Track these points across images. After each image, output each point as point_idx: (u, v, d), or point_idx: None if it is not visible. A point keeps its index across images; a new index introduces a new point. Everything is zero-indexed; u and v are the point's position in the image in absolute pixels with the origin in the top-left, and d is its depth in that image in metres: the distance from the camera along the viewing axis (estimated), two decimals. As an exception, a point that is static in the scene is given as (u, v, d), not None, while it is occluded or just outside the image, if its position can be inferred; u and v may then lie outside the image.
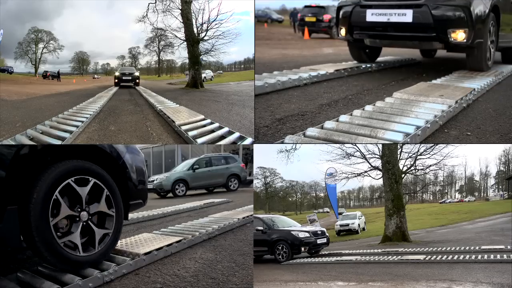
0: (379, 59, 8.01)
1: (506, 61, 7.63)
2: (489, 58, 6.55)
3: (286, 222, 7.59)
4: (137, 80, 13.53)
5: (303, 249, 6.75)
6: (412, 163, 8.85)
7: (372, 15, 6.13)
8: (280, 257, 6.63)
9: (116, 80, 13.46)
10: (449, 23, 5.65)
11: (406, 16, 5.79)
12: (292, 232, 6.88)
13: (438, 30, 5.75)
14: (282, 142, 3.91)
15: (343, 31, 6.81)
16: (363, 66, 7.22)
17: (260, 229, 6.82)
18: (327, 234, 7.39)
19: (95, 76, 15.47)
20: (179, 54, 13.89)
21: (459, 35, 5.68)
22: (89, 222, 2.95)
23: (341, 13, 6.73)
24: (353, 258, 6.08)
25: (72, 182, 2.85)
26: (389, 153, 8.26)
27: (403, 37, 6.19)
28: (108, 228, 3.11)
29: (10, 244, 2.64)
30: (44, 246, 2.67)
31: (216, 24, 11.69)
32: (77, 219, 2.88)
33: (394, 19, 5.90)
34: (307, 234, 6.88)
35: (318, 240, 6.99)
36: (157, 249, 3.52)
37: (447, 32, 5.70)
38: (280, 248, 6.66)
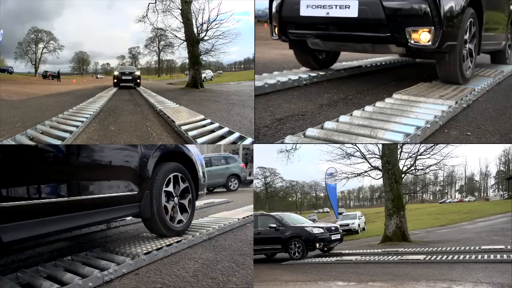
0: (379, 59, 7.98)
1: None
2: (467, 66, 5.18)
3: (296, 219, 7.53)
4: (138, 80, 13.19)
5: (317, 245, 6.64)
6: (412, 163, 8.88)
7: (308, 8, 4.74)
8: (294, 254, 6.55)
9: (115, 80, 13.06)
10: (408, 19, 4.31)
11: (350, 9, 4.43)
12: (306, 228, 6.76)
13: (393, 29, 4.40)
14: (282, 142, 3.91)
15: (277, 29, 5.40)
16: (363, 66, 7.21)
17: (273, 227, 6.74)
18: (340, 230, 7.33)
19: (98, 76, 15.41)
20: (179, 54, 13.86)
21: (422, 36, 4.33)
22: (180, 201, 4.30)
23: (273, 6, 5.26)
24: (353, 258, 6.08)
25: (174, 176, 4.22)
26: (389, 153, 8.27)
27: (349, 38, 4.80)
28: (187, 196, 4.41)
29: (145, 216, 3.84)
30: (160, 218, 3.90)
31: (216, 24, 11.69)
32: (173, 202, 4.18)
33: (335, 13, 4.53)
34: (321, 230, 6.77)
35: (332, 236, 6.89)
36: (157, 249, 3.53)
37: (405, 31, 4.34)
38: (294, 245, 6.56)
